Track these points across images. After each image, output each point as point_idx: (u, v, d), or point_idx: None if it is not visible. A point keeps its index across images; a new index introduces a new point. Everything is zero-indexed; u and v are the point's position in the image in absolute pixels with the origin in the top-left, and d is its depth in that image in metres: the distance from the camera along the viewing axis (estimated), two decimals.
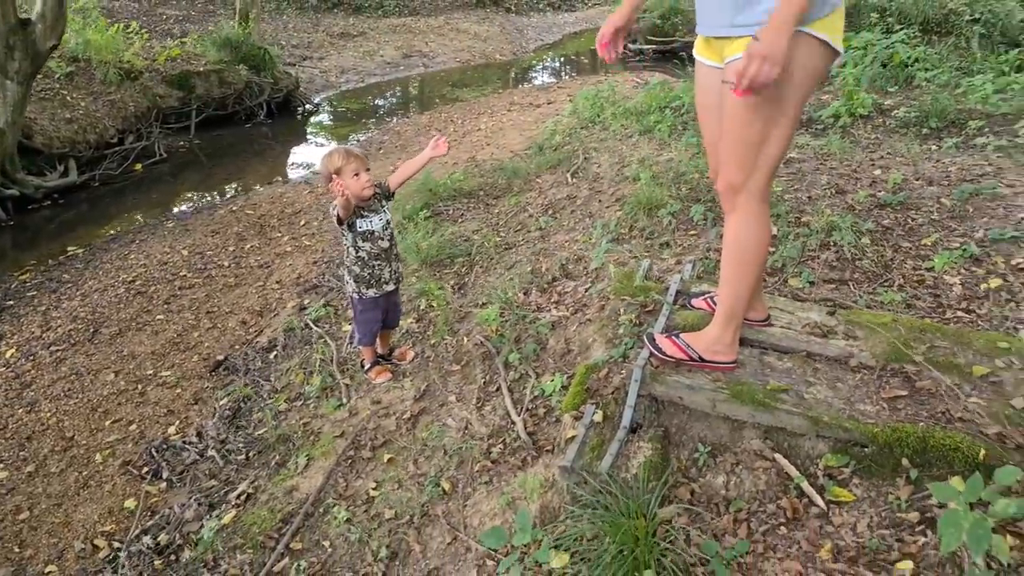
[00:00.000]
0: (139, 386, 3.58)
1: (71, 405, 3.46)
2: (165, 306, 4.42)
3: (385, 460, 2.59)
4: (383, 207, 2.91)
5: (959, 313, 2.55)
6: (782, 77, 1.61)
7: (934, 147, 4.52)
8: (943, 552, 1.53)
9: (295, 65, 11.32)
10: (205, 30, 11.93)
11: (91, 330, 4.17)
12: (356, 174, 2.73)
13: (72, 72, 7.26)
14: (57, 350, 3.98)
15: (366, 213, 2.85)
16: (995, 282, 2.67)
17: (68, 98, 6.98)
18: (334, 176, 2.72)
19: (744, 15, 1.70)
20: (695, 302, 2.47)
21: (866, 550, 1.66)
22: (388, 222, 2.92)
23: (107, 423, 3.29)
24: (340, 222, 2.78)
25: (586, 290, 3.25)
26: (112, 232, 5.92)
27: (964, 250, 2.92)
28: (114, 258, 5.22)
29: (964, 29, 8.52)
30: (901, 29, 8.32)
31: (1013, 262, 2.81)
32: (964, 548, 1.53)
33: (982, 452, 1.70)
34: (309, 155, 8.30)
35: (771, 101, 1.72)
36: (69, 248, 5.55)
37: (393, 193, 3.01)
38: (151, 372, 3.69)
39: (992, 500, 1.50)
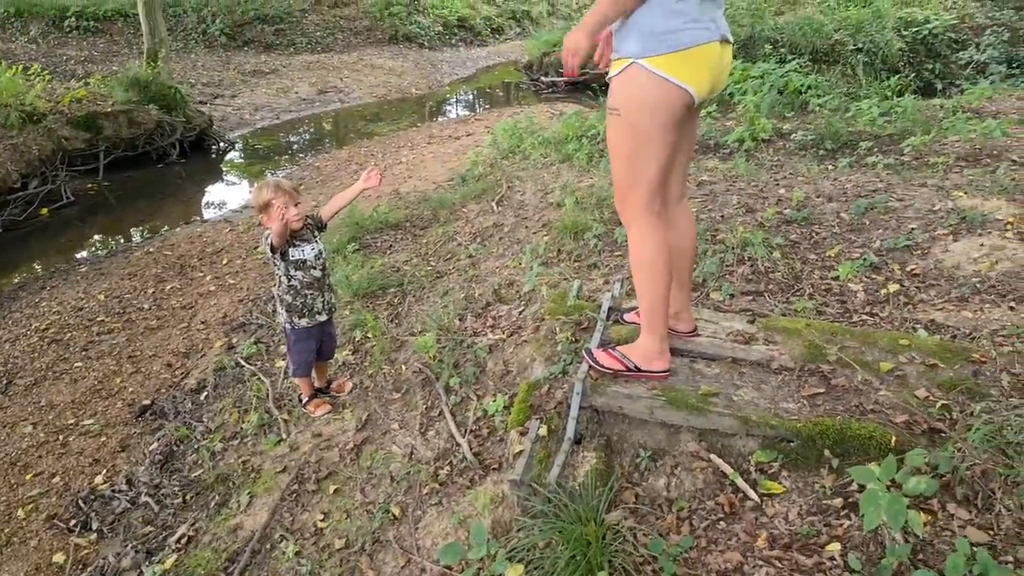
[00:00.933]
0: (60, 436, 3.41)
1: None
2: (83, 353, 4.23)
3: (331, 491, 2.58)
4: (315, 237, 2.94)
5: (864, 316, 2.78)
6: (624, 103, 1.93)
7: (831, 167, 4.89)
8: (866, 530, 1.68)
9: (207, 103, 11.10)
10: (110, 70, 11.57)
11: (4, 382, 3.95)
12: (285, 208, 2.75)
13: None
14: None
15: (298, 242, 2.87)
16: (893, 287, 2.94)
17: None
18: (264, 210, 2.74)
19: (618, 42, 1.97)
20: (627, 317, 2.60)
21: (798, 536, 1.79)
22: (320, 251, 2.95)
23: (28, 477, 3.12)
24: (273, 250, 2.78)
25: (520, 312, 3.34)
26: (19, 280, 5.62)
27: (864, 259, 3.19)
28: (24, 306, 4.96)
29: (849, 57, 9.25)
30: (793, 59, 8.96)
31: (908, 268, 3.10)
32: (885, 526, 1.68)
33: (893, 439, 1.87)
34: (226, 193, 8.13)
35: (630, 125, 1.95)
36: None
37: (325, 224, 3.04)
38: (72, 421, 3.53)
39: (904, 481, 1.67)
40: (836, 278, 3.12)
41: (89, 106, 8.08)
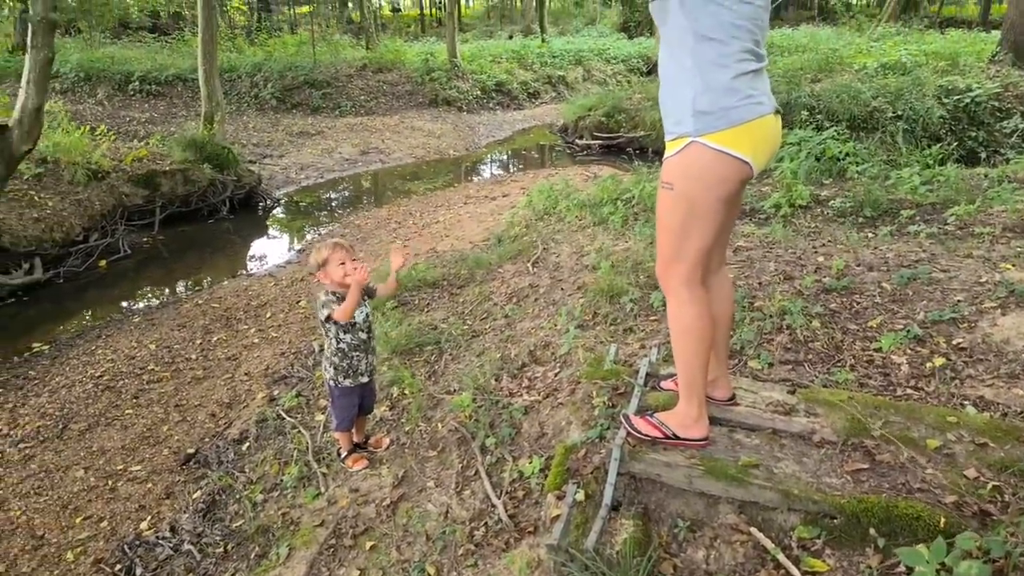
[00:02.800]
0: (109, 482, 3.52)
1: (41, 503, 3.38)
2: (134, 400, 4.38)
3: (367, 548, 2.60)
4: (364, 301, 3.03)
5: (908, 391, 2.73)
6: (680, 180, 1.97)
7: (871, 235, 4.86)
8: None
9: (256, 163, 11.56)
10: (169, 131, 12.18)
11: (60, 426, 4.11)
12: (342, 263, 2.87)
13: (41, 173, 7.35)
14: (26, 447, 3.91)
15: None
16: (939, 361, 2.86)
17: (36, 198, 7.04)
18: (322, 267, 2.86)
19: (666, 119, 2.04)
20: (664, 384, 2.62)
21: None
22: (368, 315, 3.04)
23: (78, 520, 3.23)
24: (328, 319, 2.87)
25: (556, 375, 3.37)
26: (77, 328, 5.86)
27: (908, 331, 3.11)
28: (80, 353, 5.17)
29: (888, 125, 9.27)
30: (831, 126, 9.01)
31: (954, 341, 3.02)
32: None
33: (942, 520, 1.82)
34: (271, 249, 8.40)
35: (684, 199, 1.98)
36: (34, 345, 5.47)
37: (375, 292, 3.14)
38: (121, 467, 3.64)
39: (955, 564, 1.63)
40: (878, 349, 3.06)
41: (149, 165, 8.52)
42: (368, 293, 3.08)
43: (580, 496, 2.21)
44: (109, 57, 16.21)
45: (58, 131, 8.20)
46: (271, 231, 9.35)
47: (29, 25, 6.40)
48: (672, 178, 2.00)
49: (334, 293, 2.90)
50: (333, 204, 10.69)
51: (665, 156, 2.03)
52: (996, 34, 11.64)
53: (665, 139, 2.06)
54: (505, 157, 14.30)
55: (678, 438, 2.20)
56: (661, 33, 2.04)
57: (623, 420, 2.31)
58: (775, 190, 6.25)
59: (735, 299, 3.68)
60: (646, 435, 2.24)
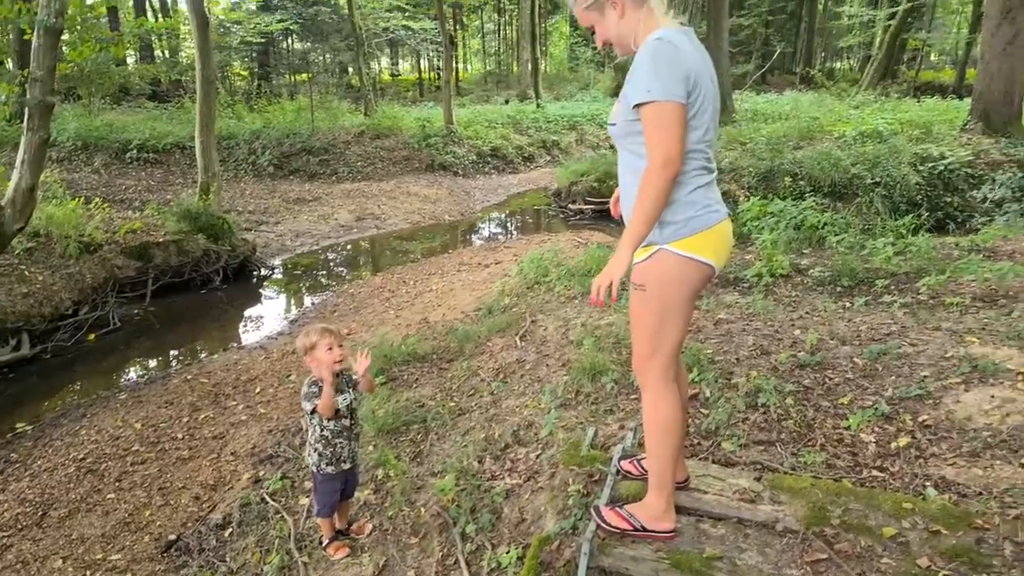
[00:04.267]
0: (87, 572, 3.50)
1: None
2: (117, 484, 4.38)
3: None
4: (347, 388, 3.10)
5: (874, 472, 2.80)
6: (652, 283, 2.14)
7: (847, 304, 4.99)
8: None
9: (252, 230, 11.74)
10: (164, 199, 12.40)
11: (39, 513, 4.09)
12: (330, 348, 2.94)
13: (32, 247, 7.44)
14: (3, 535, 3.88)
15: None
16: (904, 440, 2.96)
17: (26, 272, 7.10)
18: (309, 351, 2.94)
19: None
20: (623, 464, 2.69)
21: None
22: (351, 402, 3.10)
23: None
24: (313, 412, 2.94)
25: (537, 456, 3.42)
26: (62, 406, 5.88)
27: (876, 409, 3.21)
28: (64, 434, 5.17)
29: (867, 191, 9.53)
30: (811, 193, 9.26)
31: (920, 419, 3.12)
32: None
33: None
34: (263, 320, 8.47)
35: (656, 299, 2.16)
36: (18, 425, 5.47)
37: (357, 382, 3.16)
38: (100, 556, 3.62)
39: None
40: (848, 428, 3.15)
41: (143, 236, 8.65)
42: (349, 379, 3.13)
43: None
44: (107, 125, 16.53)
45: (52, 203, 8.33)
46: (264, 301, 9.44)
47: (26, 108, 6.56)
48: (644, 280, 2.17)
49: (320, 382, 2.96)
50: (328, 272, 10.83)
51: (635, 260, 2.18)
52: (969, 101, 12.09)
53: None
54: (499, 222, 14.55)
55: (646, 530, 2.26)
56: (619, 154, 2.23)
57: (593, 512, 2.37)
58: (757, 259, 6.41)
59: (713, 376, 3.80)
60: (615, 527, 2.29)
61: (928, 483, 2.64)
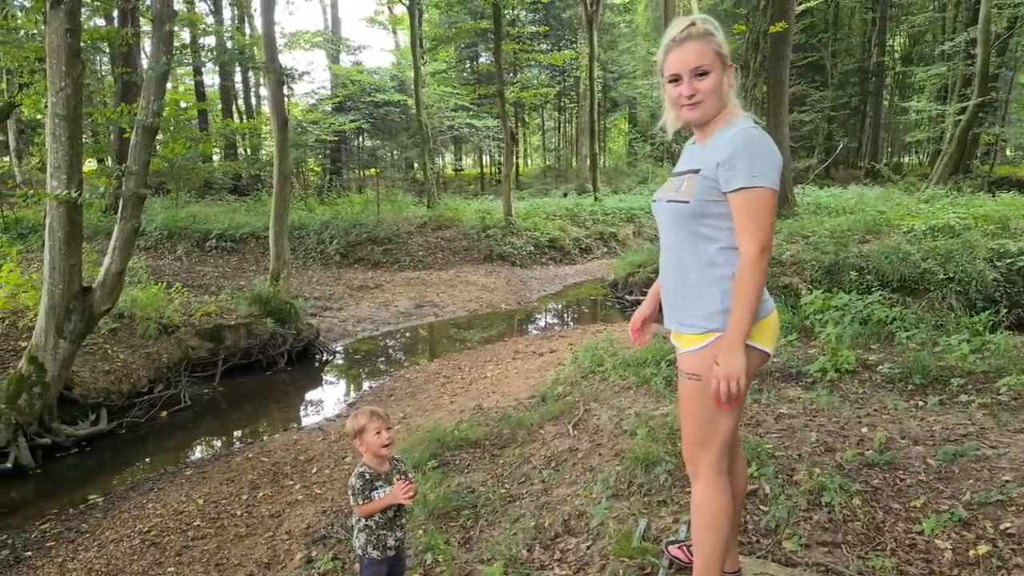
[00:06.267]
0: None
1: None
2: (176, 558, 4.49)
3: None
4: (394, 478, 3.14)
5: None
6: (708, 369, 2.06)
7: (919, 403, 4.72)
8: None
9: (316, 315, 12.19)
10: (238, 284, 13.05)
11: None
12: (378, 432, 3.03)
13: (116, 328, 7.95)
14: None
15: (380, 483, 3.07)
16: (983, 548, 2.75)
17: (109, 351, 7.58)
18: (359, 434, 3.02)
19: (683, 315, 2.20)
20: (671, 549, 2.65)
21: None
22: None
23: None
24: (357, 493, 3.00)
25: (588, 547, 3.37)
26: (132, 479, 6.12)
27: (952, 513, 3.00)
28: (132, 507, 5.37)
29: (940, 287, 9.25)
30: (879, 288, 9.00)
31: (1001, 527, 2.89)
32: None
33: None
34: (323, 402, 8.70)
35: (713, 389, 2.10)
36: (90, 496, 5.72)
37: (406, 473, 3.22)
38: None
39: None
40: (921, 532, 2.95)
41: (216, 319, 9.12)
42: (400, 469, 3.16)
43: None
44: (191, 216, 17.72)
45: (137, 287, 8.93)
46: (325, 384, 9.71)
47: (120, 198, 7.15)
48: (701, 370, 2.11)
49: (368, 473, 3.01)
50: (386, 357, 11.08)
51: (687, 348, 2.17)
52: None
53: (679, 331, 2.22)
54: (555, 311, 14.68)
55: None
56: (671, 233, 2.21)
57: None
58: (821, 353, 6.26)
59: (772, 471, 3.69)
60: None
61: None
